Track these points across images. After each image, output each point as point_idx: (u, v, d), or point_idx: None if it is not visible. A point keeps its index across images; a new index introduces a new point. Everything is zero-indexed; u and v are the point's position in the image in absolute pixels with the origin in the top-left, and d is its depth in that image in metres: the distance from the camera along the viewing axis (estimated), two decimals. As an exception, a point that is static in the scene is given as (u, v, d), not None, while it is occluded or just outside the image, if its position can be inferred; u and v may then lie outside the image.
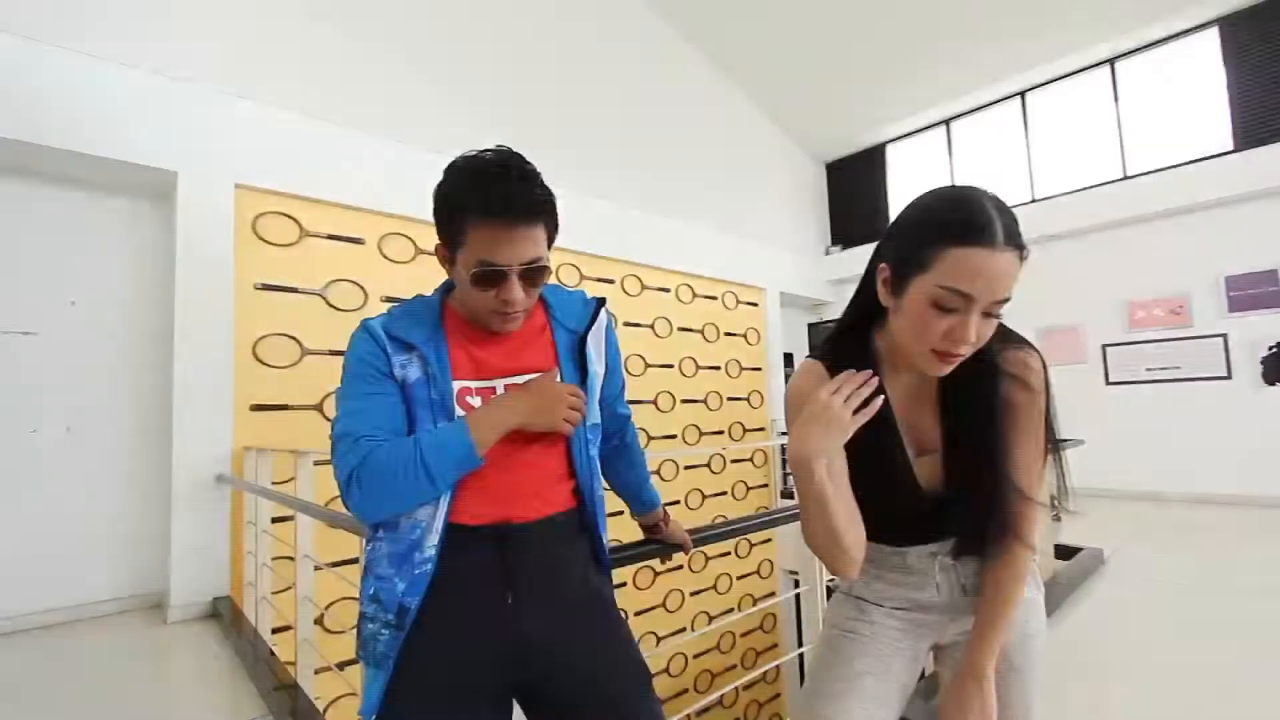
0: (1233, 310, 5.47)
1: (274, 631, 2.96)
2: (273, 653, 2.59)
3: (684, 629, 5.45)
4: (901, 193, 8.22)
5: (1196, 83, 5.88)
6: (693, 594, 5.68)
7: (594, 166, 5.69)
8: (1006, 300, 0.76)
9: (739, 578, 6.15)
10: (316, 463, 2.72)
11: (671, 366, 6.02)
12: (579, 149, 5.59)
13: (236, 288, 3.57)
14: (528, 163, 0.89)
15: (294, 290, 3.79)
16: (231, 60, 3.72)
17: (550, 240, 0.91)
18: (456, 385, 0.90)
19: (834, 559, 0.85)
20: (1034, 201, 6.80)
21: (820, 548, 0.85)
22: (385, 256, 4.19)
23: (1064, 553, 3.66)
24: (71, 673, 2.61)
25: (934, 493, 0.90)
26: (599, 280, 5.53)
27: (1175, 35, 5.94)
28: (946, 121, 7.67)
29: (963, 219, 0.74)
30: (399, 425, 0.87)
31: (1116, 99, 6.31)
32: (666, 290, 6.14)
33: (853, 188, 8.71)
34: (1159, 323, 5.87)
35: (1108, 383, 6.11)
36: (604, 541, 1.01)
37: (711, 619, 5.68)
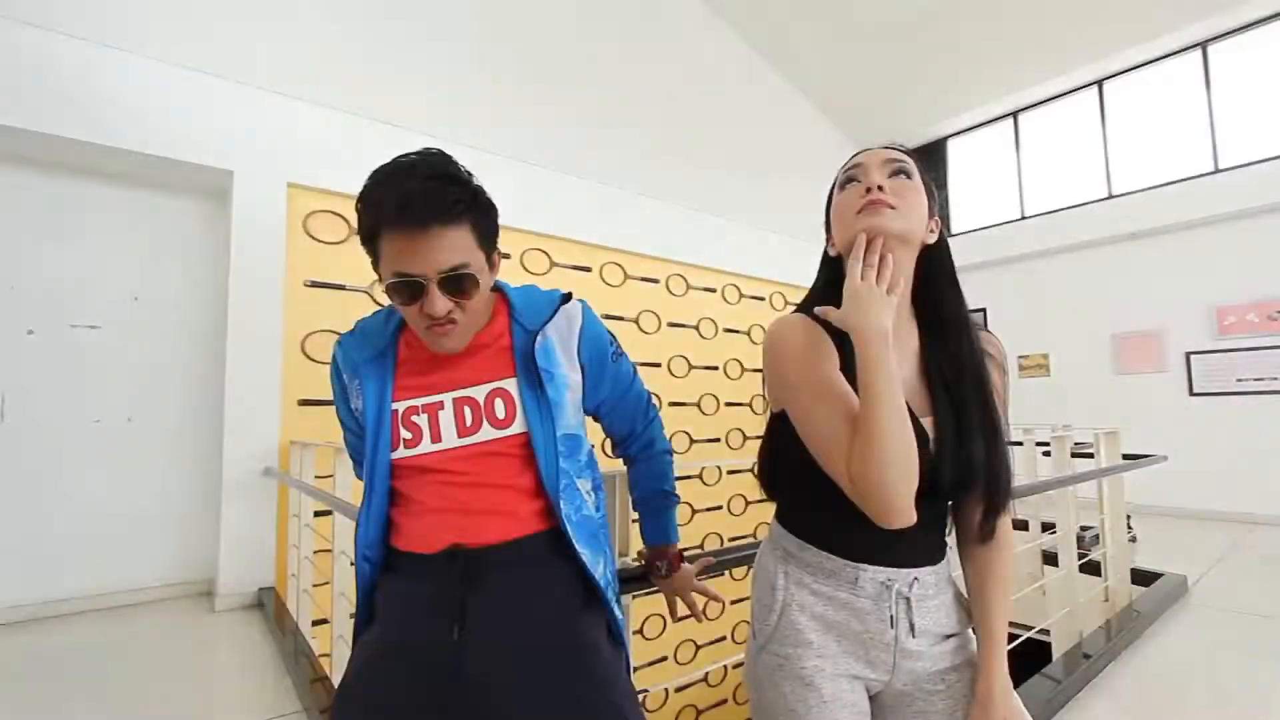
0: (1341, 316, 4.97)
1: (314, 624, 2.99)
2: (310, 647, 2.61)
3: (724, 638, 5.31)
4: (963, 189, 7.83)
5: (1302, 66, 5.36)
6: (734, 603, 5.48)
7: (640, 163, 5.60)
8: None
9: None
10: (356, 460, 2.72)
11: (716, 369, 5.87)
12: (624, 145, 5.51)
13: (287, 285, 3.64)
14: (452, 163, 0.81)
15: (341, 288, 3.84)
16: (287, 62, 3.80)
17: (485, 244, 0.82)
18: (402, 406, 0.84)
19: (898, 485, 0.70)
20: (1110, 198, 6.34)
21: (889, 466, 0.69)
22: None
23: (1142, 578, 3.36)
24: (121, 654, 2.69)
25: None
26: (643, 279, 5.43)
27: (1277, 15, 5.43)
28: (1014, 114, 7.25)
29: None
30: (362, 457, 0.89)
31: (1208, 85, 5.81)
32: (712, 290, 6.00)
33: (910, 184, 8.35)
34: (1253, 329, 5.37)
35: (1191, 393, 5.64)
36: (596, 573, 0.85)
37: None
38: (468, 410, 0.83)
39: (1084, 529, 4.32)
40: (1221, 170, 5.67)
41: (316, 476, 3.24)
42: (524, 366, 0.85)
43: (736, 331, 6.26)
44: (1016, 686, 0.85)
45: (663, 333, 5.53)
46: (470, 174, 0.83)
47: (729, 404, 6.05)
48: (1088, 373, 6.33)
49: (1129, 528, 4.60)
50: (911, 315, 0.87)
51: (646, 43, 5.86)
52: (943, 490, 0.79)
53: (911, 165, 0.86)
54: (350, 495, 2.51)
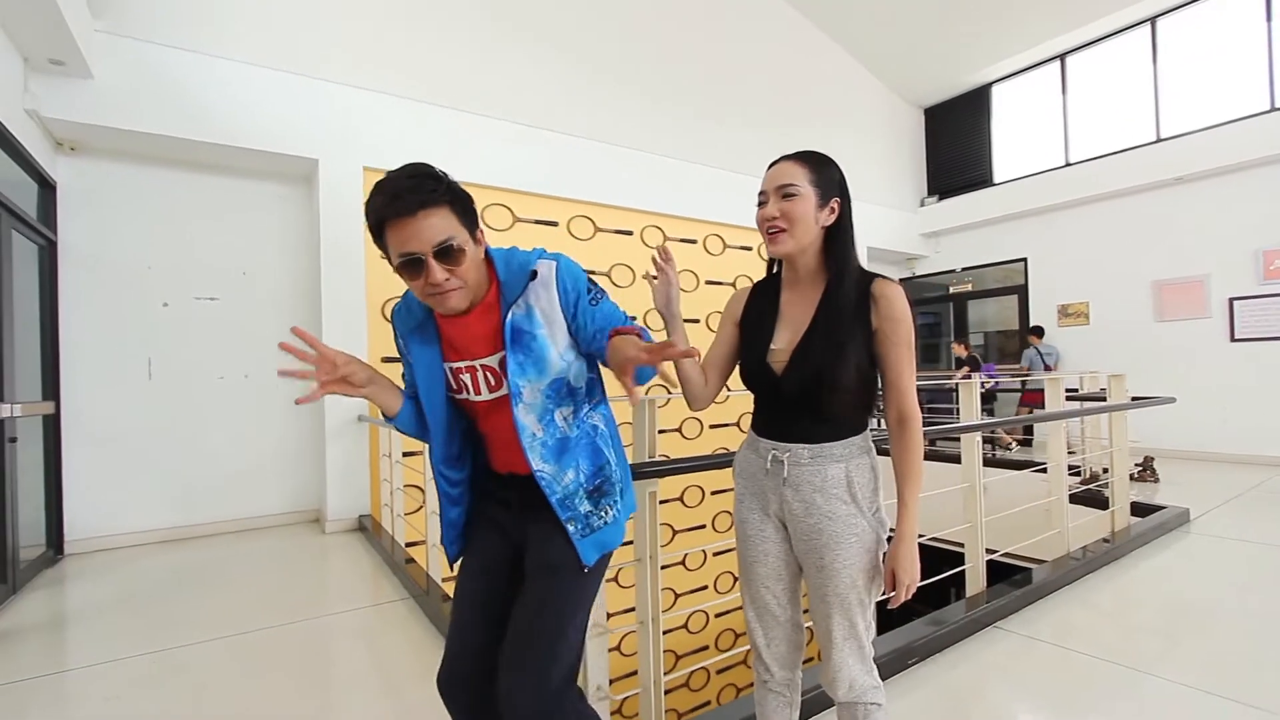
0: (1394, 258, 4.86)
1: (407, 545, 3.59)
2: (409, 556, 3.19)
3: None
4: (1008, 136, 7.72)
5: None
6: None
7: (679, 120, 5.85)
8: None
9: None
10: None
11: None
12: (662, 100, 5.76)
13: (367, 256, 4.16)
14: (426, 165, 0.98)
15: (412, 258, 4.34)
16: (359, 58, 4.26)
17: (465, 222, 0.99)
18: (450, 366, 1.10)
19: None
20: (1159, 141, 6.21)
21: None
22: (487, 224, 4.67)
23: (1145, 511, 3.61)
24: (255, 565, 3.35)
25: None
26: (683, 240, 5.76)
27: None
28: (1061, 56, 7.07)
29: None
30: (413, 392, 1.16)
31: (1270, 16, 5.58)
32: (748, 249, 6.26)
33: (954, 133, 8.27)
34: (1299, 273, 5.31)
35: (1233, 339, 5.63)
36: (558, 488, 1.07)
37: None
38: (488, 374, 1.08)
39: (1102, 470, 4.53)
40: (1278, 108, 5.50)
41: (402, 421, 3.79)
42: (512, 337, 1.03)
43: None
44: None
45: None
46: (444, 173, 1.00)
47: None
48: (1128, 320, 6.34)
49: (1151, 469, 4.78)
50: (820, 272, 1.16)
51: None
52: (789, 391, 1.10)
53: (797, 184, 1.11)
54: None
